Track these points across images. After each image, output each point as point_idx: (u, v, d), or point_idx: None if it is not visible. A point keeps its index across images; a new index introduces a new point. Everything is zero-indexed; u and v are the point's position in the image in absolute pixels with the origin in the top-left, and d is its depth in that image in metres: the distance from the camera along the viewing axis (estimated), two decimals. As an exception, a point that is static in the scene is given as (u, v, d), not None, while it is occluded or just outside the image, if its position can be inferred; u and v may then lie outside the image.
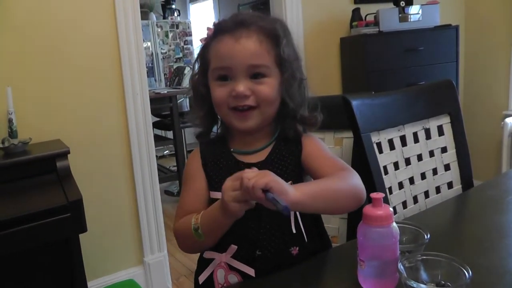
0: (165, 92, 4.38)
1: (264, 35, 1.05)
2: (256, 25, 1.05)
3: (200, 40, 1.13)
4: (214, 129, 1.22)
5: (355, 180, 1.02)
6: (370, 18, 3.16)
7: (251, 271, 1.03)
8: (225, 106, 1.07)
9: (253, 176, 0.86)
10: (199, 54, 1.14)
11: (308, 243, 1.10)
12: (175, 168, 4.80)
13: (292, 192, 0.89)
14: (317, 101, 1.14)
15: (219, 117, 1.16)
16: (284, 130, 1.14)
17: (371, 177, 1.33)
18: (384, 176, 1.38)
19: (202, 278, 1.12)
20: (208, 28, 1.11)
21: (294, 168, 1.11)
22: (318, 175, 1.06)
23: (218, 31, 1.07)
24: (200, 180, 1.12)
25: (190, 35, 6.94)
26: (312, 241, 1.12)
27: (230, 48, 1.03)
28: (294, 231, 1.07)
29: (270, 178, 0.86)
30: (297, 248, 1.08)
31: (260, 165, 1.09)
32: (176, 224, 1.10)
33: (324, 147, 1.16)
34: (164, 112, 4.69)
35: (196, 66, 1.15)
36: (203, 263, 1.13)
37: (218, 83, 1.07)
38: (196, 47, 6.54)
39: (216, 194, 1.09)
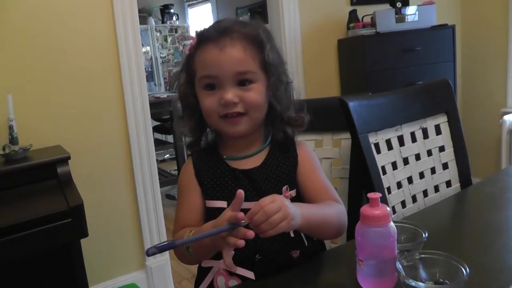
0: (165, 96, 4.39)
1: (248, 41, 1.05)
2: (239, 32, 1.05)
3: (184, 50, 1.13)
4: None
5: (343, 214, 1.09)
6: (367, 19, 3.16)
7: (250, 274, 1.03)
8: (215, 115, 1.07)
9: (272, 211, 0.88)
10: (184, 64, 1.14)
11: (308, 246, 1.11)
12: (176, 172, 4.80)
13: (296, 220, 0.93)
14: (302, 102, 1.16)
15: (209, 125, 1.16)
16: (273, 133, 1.15)
17: (370, 177, 1.34)
18: (382, 176, 1.39)
19: (203, 287, 1.12)
20: (191, 38, 1.11)
21: (289, 173, 1.12)
22: (308, 195, 1.12)
23: (202, 41, 1.07)
24: (194, 192, 1.12)
25: (189, 39, 6.93)
26: (312, 244, 1.13)
27: (215, 57, 1.03)
28: (292, 235, 1.08)
29: (286, 225, 0.89)
30: (298, 252, 1.09)
31: (256, 171, 1.11)
32: (174, 237, 1.10)
33: (318, 164, 1.18)
34: (164, 116, 4.70)
35: (183, 76, 1.15)
36: (202, 271, 1.13)
37: (206, 92, 1.07)
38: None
39: (212, 203, 1.10)
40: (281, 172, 1.11)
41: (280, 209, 0.88)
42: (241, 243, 0.87)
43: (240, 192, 0.89)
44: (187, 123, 1.15)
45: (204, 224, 1.02)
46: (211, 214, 1.09)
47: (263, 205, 0.87)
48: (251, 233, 0.86)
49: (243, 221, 0.87)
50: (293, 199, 1.11)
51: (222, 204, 1.09)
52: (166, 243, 0.85)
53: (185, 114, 1.16)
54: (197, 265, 1.18)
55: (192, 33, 6.74)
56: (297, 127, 1.15)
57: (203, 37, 1.07)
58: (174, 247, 0.87)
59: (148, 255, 0.84)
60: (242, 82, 1.05)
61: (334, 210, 1.07)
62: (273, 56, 1.09)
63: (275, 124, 1.14)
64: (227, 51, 1.03)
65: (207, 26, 1.11)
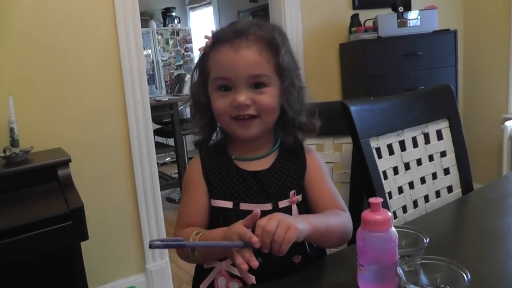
0: (166, 99, 4.39)
1: (263, 44, 1.05)
2: (255, 34, 1.05)
3: (199, 49, 1.12)
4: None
5: (348, 223, 1.09)
6: (369, 23, 3.17)
7: (252, 278, 1.01)
8: (227, 116, 1.07)
9: (272, 227, 0.88)
10: (198, 64, 1.13)
11: (310, 252, 1.11)
12: (177, 175, 4.80)
13: (302, 227, 0.92)
14: (314, 108, 1.15)
15: (219, 125, 1.16)
16: (284, 138, 1.15)
17: (371, 182, 1.33)
18: (383, 181, 1.38)
19: (203, 287, 1.12)
20: (207, 37, 1.10)
21: (297, 178, 1.12)
22: (315, 201, 1.12)
23: (217, 41, 1.07)
24: (200, 190, 1.12)
25: (191, 42, 6.97)
26: (313, 250, 1.12)
27: (230, 59, 1.03)
28: None
29: (294, 233, 0.89)
30: (300, 257, 1.08)
31: (265, 173, 1.11)
32: (176, 235, 1.10)
33: (326, 171, 1.18)
34: (165, 119, 4.70)
35: (195, 75, 1.15)
36: (202, 271, 1.13)
37: (219, 93, 1.07)
38: (196, 54, 6.54)
39: (218, 202, 1.10)
40: (289, 176, 1.11)
41: (279, 222, 0.89)
42: (245, 267, 0.87)
43: (257, 212, 0.90)
44: (198, 123, 1.15)
45: (215, 229, 1.02)
46: (216, 213, 1.10)
47: (262, 225, 0.88)
48: (255, 263, 0.87)
49: (256, 246, 0.88)
50: (299, 204, 1.11)
51: (227, 204, 1.09)
52: (173, 241, 0.84)
53: (197, 113, 1.15)
54: (195, 266, 1.18)
55: (194, 36, 6.76)
56: (308, 132, 1.15)
57: (219, 37, 1.07)
58: (181, 247, 0.86)
59: (151, 248, 0.83)
60: (256, 85, 1.05)
61: (339, 219, 1.07)
62: (288, 60, 1.08)
63: (286, 129, 1.13)
64: (242, 53, 1.03)
65: (222, 27, 1.10)
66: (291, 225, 0.89)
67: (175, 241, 0.85)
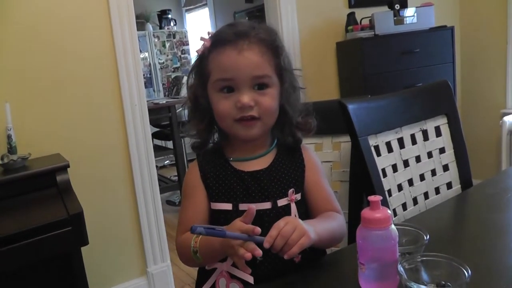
0: (164, 102, 4.38)
1: (265, 46, 1.06)
2: (256, 36, 1.06)
3: (197, 51, 1.12)
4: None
5: (343, 225, 1.14)
6: (366, 22, 3.17)
7: (250, 279, 1.02)
8: (230, 118, 1.07)
9: (288, 233, 0.90)
10: (196, 65, 1.13)
11: (310, 251, 1.10)
12: (176, 178, 4.80)
13: (312, 236, 0.94)
14: (310, 107, 1.16)
15: (216, 127, 1.16)
16: (282, 137, 1.16)
17: (370, 180, 1.33)
18: (383, 179, 1.38)
19: None
20: (203, 39, 1.10)
21: (296, 176, 1.13)
22: (313, 202, 1.14)
23: (218, 42, 1.07)
24: (200, 194, 1.12)
25: (187, 44, 6.97)
26: (313, 249, 1.12)
27: (234, 60, 1.03)
28: None
29: (307, 241, 0.91)
30: (300, 256, 1.08)
31: (263, 172, 1.11)
32: (177, 240, 1.11)
33: (323, 171, 1.20)
34: (163, 122, 4.69)
35: (193, 77, 1.15)
36: (204, 273, 1.13)
37: (221, 95, 1.07)
38: (193, 56, 6.56)
39: (218, 205, 1.10)
40: (288, 175, 1.12)
41: (296, 228, 0.90)
42: (249, 256, 0.87)
43: (252, 208, 0.91)
44: (197, 126, 1.15)
45: None
46: (216, 216, 1.10)
47: (278, 228, 0.90)
48: (259, 252, 0.87)
49: (265, 246, 0.89)
50: (298, 203, 1.11)
51: (227, 206, 1.09)
52: (216, 229, 0.87)
53: (195, 116, 1.15)
54: (197, 269, 1.18)
55: (191, 38, 6.76)
56: (304, 131, 1.16)
57: (219, 38, 1.07)
58: (222, 237, 0.88)
59: (193, 232, 0.85)
60: (259, 86, 1.06)
61: (337, 222, 1.09)
62: (288, 61, 1.11)
63: (284, 129, 1.14)
64: (245, 54, 1.03)
65: (220, 28, 1.11)
66: (306, 233, 0.91)
67: (217, 230, 0.87)
